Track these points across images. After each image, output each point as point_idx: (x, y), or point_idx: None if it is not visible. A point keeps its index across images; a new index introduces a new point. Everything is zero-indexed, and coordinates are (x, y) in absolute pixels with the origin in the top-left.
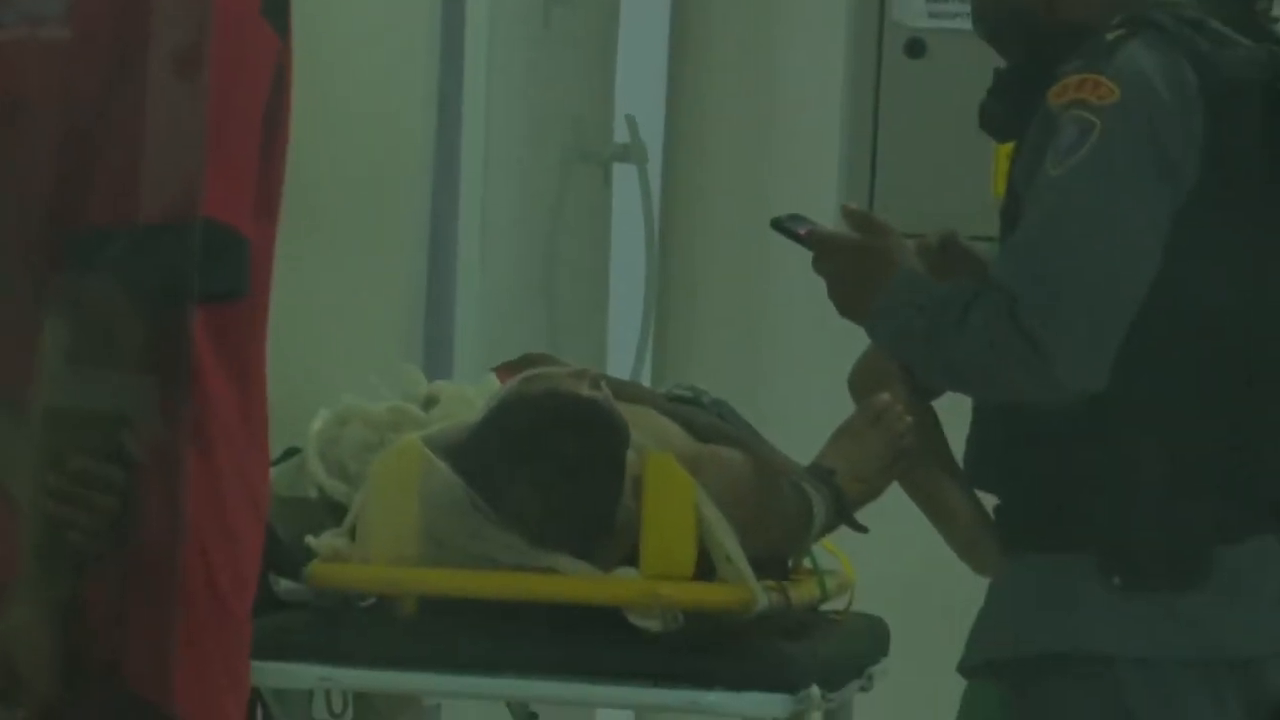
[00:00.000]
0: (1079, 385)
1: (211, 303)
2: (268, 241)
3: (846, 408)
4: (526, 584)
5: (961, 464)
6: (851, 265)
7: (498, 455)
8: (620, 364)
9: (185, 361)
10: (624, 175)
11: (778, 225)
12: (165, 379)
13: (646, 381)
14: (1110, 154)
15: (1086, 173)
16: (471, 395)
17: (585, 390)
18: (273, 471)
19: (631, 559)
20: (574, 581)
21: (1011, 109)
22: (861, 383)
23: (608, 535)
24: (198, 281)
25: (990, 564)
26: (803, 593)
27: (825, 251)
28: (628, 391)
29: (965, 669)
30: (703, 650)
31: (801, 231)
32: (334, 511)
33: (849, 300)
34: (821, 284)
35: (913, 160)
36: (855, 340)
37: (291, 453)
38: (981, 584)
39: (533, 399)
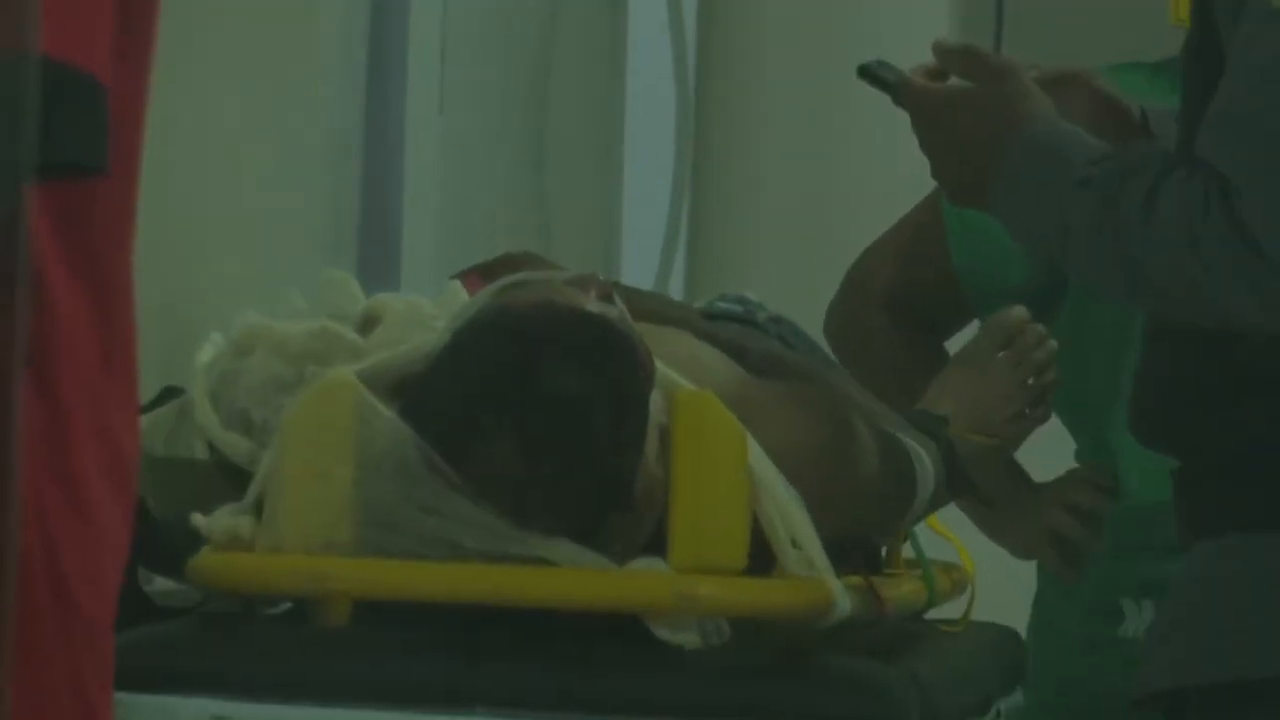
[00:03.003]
0: None
1: (55, 177)
2: (136, 93)
3: None
4: (505, 581)
5: (1127, 415)
6: (961, 125)
7: (465, 396)
8: (640, 267)
9: (17, 258)
10: None
11: (867, 73)
12: None
13: (678, 292)
14: None
15: None
16: (427, 311)
17: (591, 304)
18: (143, 420)
19: (656, 545)
20: (574, 577)
21: None
22: (839, 327)
23: (622, 511)
24: (35, 147)
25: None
26: (902, 593)
27: (922, 111)
28: (651, 306)
29: (1140, 699)
30: (758, 675)
31: (895, 81)
32: (232, 478)
33: (962, 175)
34: (917, 153)
35: None
36: None
37: (170, 394)
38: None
39: (515, 317)
